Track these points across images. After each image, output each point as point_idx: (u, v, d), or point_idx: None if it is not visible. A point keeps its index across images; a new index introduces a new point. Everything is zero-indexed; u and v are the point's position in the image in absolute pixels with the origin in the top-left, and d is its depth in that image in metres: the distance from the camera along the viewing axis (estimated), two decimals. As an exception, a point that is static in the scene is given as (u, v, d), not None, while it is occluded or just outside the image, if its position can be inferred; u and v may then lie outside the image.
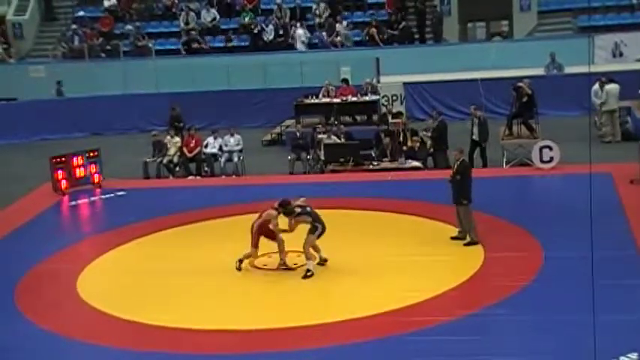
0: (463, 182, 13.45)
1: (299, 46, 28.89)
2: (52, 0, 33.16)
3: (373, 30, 28.40)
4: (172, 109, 22.86)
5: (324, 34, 28.93)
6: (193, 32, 29.72)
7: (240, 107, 25.36)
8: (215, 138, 20.55)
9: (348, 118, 23.45)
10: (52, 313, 11.69)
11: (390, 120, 21.15)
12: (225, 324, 10.92)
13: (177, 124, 21.90)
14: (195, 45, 29.38)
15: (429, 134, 19.21)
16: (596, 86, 21.21)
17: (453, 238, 13.70)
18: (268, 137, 23.94)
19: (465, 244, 13.40)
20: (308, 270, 12.41)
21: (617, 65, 24.61)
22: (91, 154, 18.62)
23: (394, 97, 24.42)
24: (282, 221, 12.76)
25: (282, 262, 12.88)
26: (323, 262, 12.84)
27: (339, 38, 28.74)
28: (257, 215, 12.78)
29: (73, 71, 28.13)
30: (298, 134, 20.74)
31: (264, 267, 13.01)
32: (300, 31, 29.01)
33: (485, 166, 18.85)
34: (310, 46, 29.05)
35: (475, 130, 18.90)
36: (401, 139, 19.09)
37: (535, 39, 28.10)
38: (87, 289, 12.45)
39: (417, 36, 29.01)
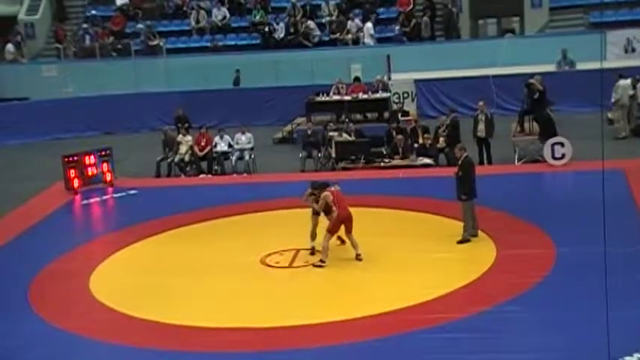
0: (465, 178, 13.48)
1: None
2: (63, -1, 33.34)
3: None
4: (176, 110, 22.90)
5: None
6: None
7: (251, 105, 25.37)
8: (221, 137, 20.54)
9: (359, 116, 23.44)
10: (64, 311, 11.72)
11: (401, 117, 21.07)
12: (238, 322, 10.91)
13: (180, 126, 21.91)
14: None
15: (445, 132, 19.01)
16: (628, 81, 21.10)
17: (464, 235, 13.69)
18: (279, 135, 23.93)
19: (458, 242, 13.38)
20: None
21: (630, 61, 24.50)
22: (103, 153, 18.69)
23: (405, 95, 24.41)
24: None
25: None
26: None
27: (349, 36, 28.70)
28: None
29: (84, 70, 28.23)
30: (309, 132, 20.70)
31: (277, 264, 13.03)
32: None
33: (490, 163, 18.78)
34: (321, 43, 28.99)
35: (481, 126, 18.82)
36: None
37: (546, 35, 28.01)
38: (99, 288, 12.48)
39: (427, 33, 28.92)
